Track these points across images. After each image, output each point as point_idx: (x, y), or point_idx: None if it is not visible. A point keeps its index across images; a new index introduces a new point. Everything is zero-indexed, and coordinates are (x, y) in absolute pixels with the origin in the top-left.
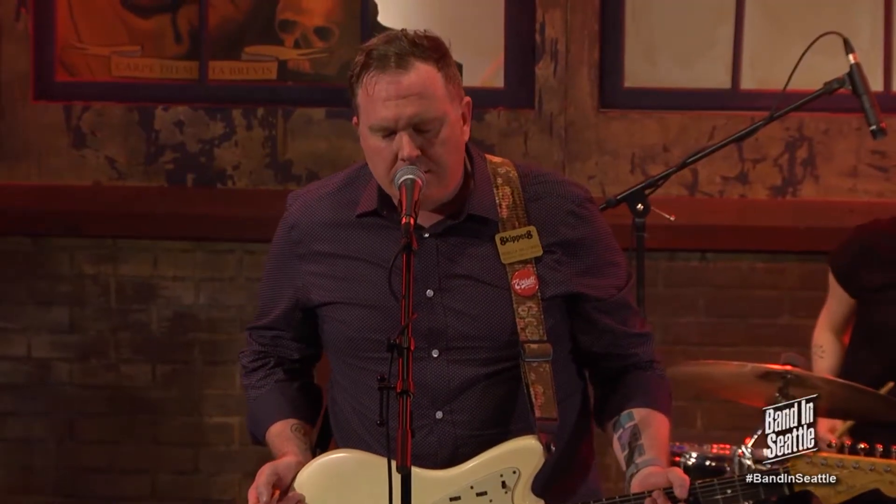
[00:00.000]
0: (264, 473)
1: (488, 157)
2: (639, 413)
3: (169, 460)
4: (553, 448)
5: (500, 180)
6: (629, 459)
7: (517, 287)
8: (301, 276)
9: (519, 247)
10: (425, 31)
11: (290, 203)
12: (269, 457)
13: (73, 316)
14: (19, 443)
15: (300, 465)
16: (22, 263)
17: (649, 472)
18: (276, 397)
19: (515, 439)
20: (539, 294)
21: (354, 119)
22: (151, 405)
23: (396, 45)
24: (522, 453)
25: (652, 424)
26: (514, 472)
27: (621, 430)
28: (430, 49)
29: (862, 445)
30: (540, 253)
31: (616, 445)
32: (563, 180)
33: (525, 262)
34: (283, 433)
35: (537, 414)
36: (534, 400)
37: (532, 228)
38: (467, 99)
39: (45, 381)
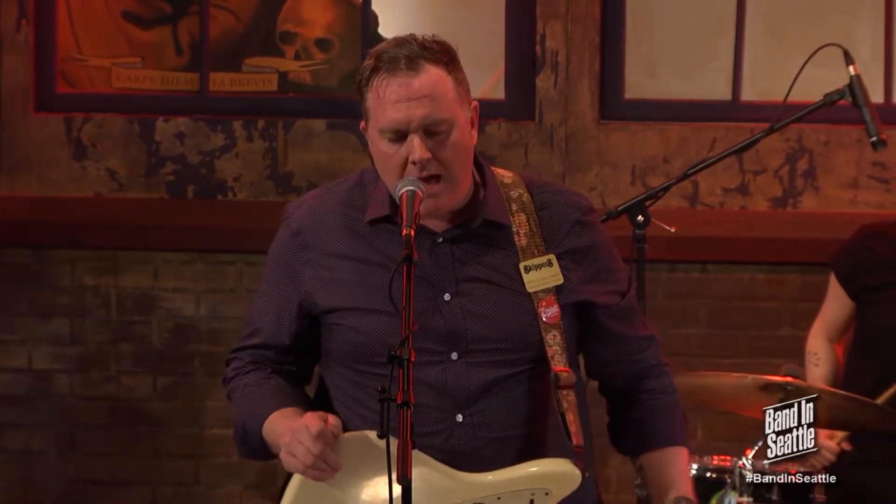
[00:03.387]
0: (316, 422)
1: (494, 168)
2: (651, 458)
3: (170, 472)
4: (587, 475)
5: (514, 206)
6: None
7: (543, 316)
8: (306, 281)
9: (542, 275)
10: (433, 35)
11: (293, 211)
12: (269, 467)
13: (74, 327)
14: (20, 454)
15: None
16: (22, 275)
17: None
18: (280, 392)
19: (555, 461)
20: (561, 323)
21: (362, 123)
22: (152, 417)
23: (406, 48)
24: (561, 477)
25: (670, 464)
26: (547, 494)
27: (645, 476)
28: (439, 52)
29: None
30: (561, 281)
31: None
32: (566, 189)
33: (548, 290)
34: (296, 413)
35: (574, 441)
36: (569, 428)
37: (552, 257)
38: (475, 103)
39: (45, 393)
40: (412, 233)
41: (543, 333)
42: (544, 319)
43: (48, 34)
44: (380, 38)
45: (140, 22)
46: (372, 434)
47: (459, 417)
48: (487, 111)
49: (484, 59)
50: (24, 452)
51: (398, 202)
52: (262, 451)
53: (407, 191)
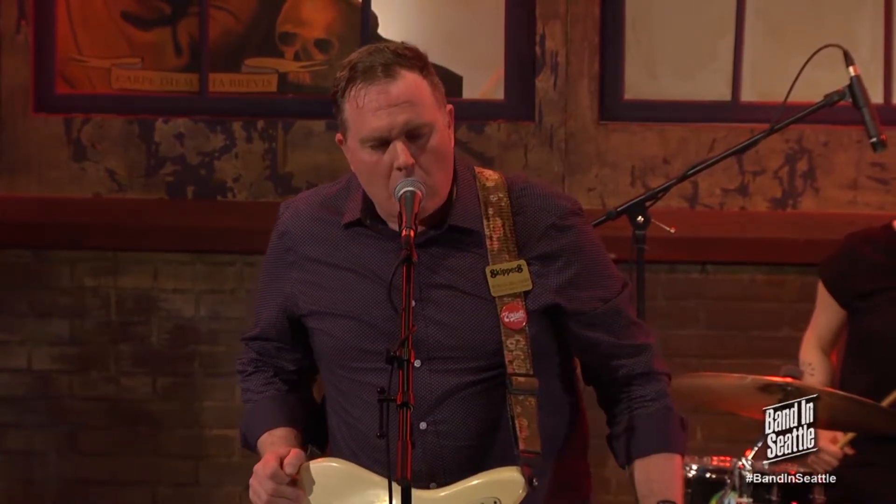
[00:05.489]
0: (270, 463)
1: (480, 171)
2: (636, 467)
3: (169, 472)
4: (535, 482)
5: (491, 210)
6: None
7: (506, 319)
8: (290, 283)
9: (509, 280)
10: (403, 42)
11: (282, 211)
12: None
13: (74, 328)
14: (20, 455)
15: (302, 460)
16: (22, 276)
17: None
18: (275, 405)
19: (499, 469)
20: (526, 328)
21: (338, 136)
22: (152, 417)
23: (381, 56)
24: (505, 485)
25: (654, 470)
26: (495, 503)
27: (636, 483)
28: (412, 58)
29: None
30: (529, 287)
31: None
32: (549, 193)
33: (514, 295)
34: (283, 437)
35: (521, 447)
36: (518, 433)
37: (522, 262)
38: (450, 107)
39: (45, 394)
40: (412, 234)
41: (504, 338)
42: (506, 322)
43: (48, 35)
44: (379, 39)
45: (139, 23)
46: (336, 462)
47: (423, 425)
48: (487, 112)
49: (484, 59)
50: (24, 452)
51: (398, 205)
52: None
53: (406, 191)
